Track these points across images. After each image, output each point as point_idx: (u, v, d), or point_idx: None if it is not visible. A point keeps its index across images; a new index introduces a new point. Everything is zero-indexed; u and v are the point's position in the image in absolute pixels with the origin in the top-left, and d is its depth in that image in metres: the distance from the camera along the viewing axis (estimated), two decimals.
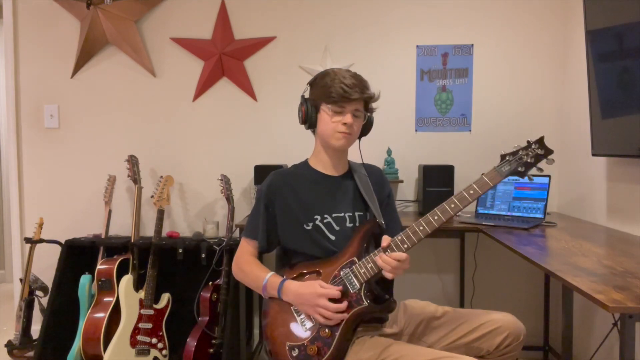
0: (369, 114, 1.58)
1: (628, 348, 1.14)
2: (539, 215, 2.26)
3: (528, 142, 1.42)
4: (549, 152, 1.40)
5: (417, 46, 2.76)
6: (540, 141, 1.41)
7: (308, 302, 1.42)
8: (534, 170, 1.42)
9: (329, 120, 1.51)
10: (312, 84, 1.58)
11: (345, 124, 1.50)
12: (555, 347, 2.61)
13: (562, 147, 2.64)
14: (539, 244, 1.82)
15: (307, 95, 1.59)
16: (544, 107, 2.72)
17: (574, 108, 2.53)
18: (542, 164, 1.41)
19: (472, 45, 2.74)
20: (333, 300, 1.41)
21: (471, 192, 1.40)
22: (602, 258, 1.59)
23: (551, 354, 2.65)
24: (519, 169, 1.40)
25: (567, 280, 1.27)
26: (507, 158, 1.42)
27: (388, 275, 1.39)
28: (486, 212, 2.43)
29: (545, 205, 2.26)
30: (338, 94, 1.48)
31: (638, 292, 1.16)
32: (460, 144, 2.76)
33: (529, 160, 1.40)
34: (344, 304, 1.40)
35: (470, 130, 2.76)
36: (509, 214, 2.36)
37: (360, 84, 1.51)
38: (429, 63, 2.76)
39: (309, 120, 1.56)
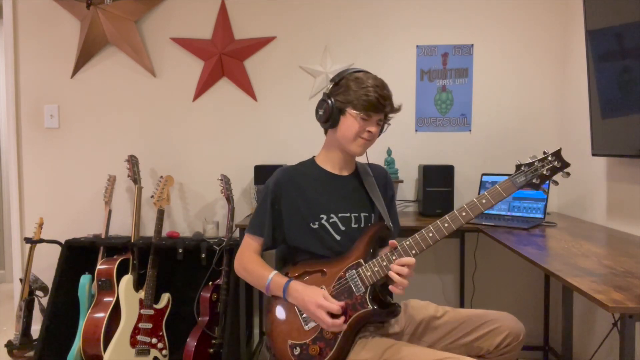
0: (387, 124, 1.58)
1: (628, 348, 1.14)
2: (539, 215, 2.26)
3: (545, 153, 1.40)
4: (565, 165, 1.38)
5: (417, 46, 2.76)
6: (557, 153, 1.39)
7: (308, 309, 1.41)
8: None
9: (354, 125, 1.49)
10: (338, 83, 1.53)
11: (370, 131, 1.50)
12: (555, 347, 2.61)
13: (562, 147, 2.63)
14: (539, 244, 1.81)
15: (328, 92, 1.55)
16: (544, 107, 2.72)
17: (574, 108, 2.53)
18: (558, 176, 1.40)
19: (472, 45, 2.74)
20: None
21: (484, 201, 1.39)
22: (602, 258, 1.58)
23: (551, 354, 2.65)
24: (534, 181, 1.39)
25: (567, 280, 1.27)
26: (522, 169, 1.40)
27: (399, 291, 1.36)
28: (486, 212, 2.43)
29: (545, 205, 2.26)
30: (372, 104, 1.47)
31: (638, 292, 1.16)
32: (460, 144, 2.76)
33: (544, 173, 1.38)
34: (341, 320, 1.38)
35: (470, 130, 2.76)
36: (509, 214, 2.36)
37: (390, 95, 1.51)
38: (429, 63, 2.76)
39: (331, 120, 1.52)
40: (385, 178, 1.68)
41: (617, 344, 1.97)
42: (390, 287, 1.39)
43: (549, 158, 1.39)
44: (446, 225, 1.39)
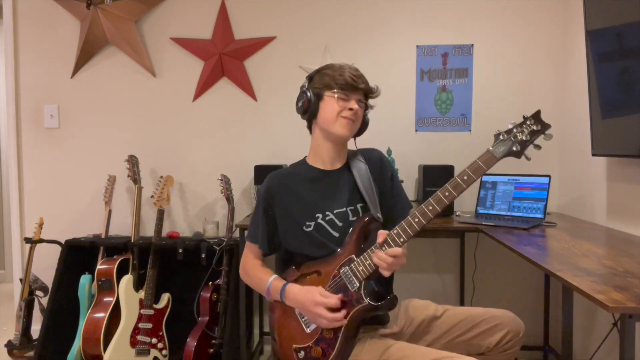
0: (370, 106, 1.59)
1: (628, 348, 1.13)
2: (539, 215, 2.26)
3: (524, 117, 1.33)
4: (545, 126, 1.31)
5: (417, 46, 2.76)
6: (536, 116, 1.32)
7: (307, 309, 1.41)
8: (532, 151, 1.34)
9: (334, 105, 1.50)
10: (313, 76, 1.58)
11: (350, 109, 1.49)
12: (555, 347, 2.61)
13: (562, 147, 2.64)
14: (539, 244, 1.81)
15: (304, 85, 1.59)
16: (544, 107, 2.67)
17: (574, 108, 2.53)
18: (540, 140, 1.32)
19: (472, 45, 2.74)
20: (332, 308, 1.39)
21: (465, 177, 1.36)
22: (602, 258, 1.59)
23: (551, 354, 2.65)
24: (514, 149, 1.32)
25: (567, 280, 1.27)
26: (500, 137, 1.33)
27: (385, 272, 1.36)
28: (486, 212, 2.43)
29: (545, 205, 2.26)
30: (346, 81, 1.49)
31: (638, 292, 1.16)
32: (460, 144, 2.76)
33: (524, 138, 1.31)
34: (342, 313, 1.38)
35: (470, 130, 2.76)
36: (509, 214, 2.36)
37: (363, 76, 1.54)
38: (429, 63, 2.76)
39: (310, 109, 1.53)
40: (380, 161, 1.64)
41: (617, 344, 1.97)
42: (380, 270, 1.38)
43: (528, 122, 1.32)
44: (430, 208, 1.36)
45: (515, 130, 1.33)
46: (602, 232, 2.08)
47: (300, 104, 1.57)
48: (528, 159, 1.33)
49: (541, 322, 2.70)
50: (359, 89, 1.51)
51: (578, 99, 2.44)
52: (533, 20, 2.70)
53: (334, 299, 1.38)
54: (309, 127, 1.63)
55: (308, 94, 1.54)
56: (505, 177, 2.41)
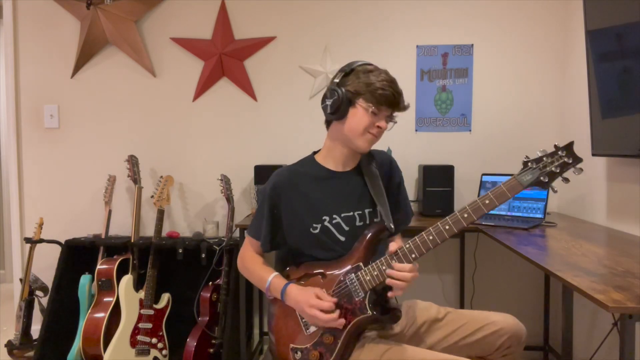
0: (394, 122, 1.50)
1: (628, 348, 1.14)
2: (539, 215, 2.26)
3: (555, 146, 1.27)
4: (577, 160, 1.26)
5: (417, 46, 2.76)
6: (568, 147, 1.26)
7: (303, 310, 1.39)
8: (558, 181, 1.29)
9: (364, 118, 1.41)
10: (347, 73, 1.45)
11: (379, 127, 1.43)
12: (555, 347, 2.61)
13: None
14: (539, 244, 1.81)
15: (337, 81, 1.45)
16: (544, 107, 2.72)
17: (574, 108, 2.53)
18: (569, 173, 1.27)
19: (472, 45, 2.74)
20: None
21: (487, 202, 1.30)
22: (602, 258, 1.59)
23: (551, 354, 2.65)
24: (542, 179, 1.27)
25: (567, 280, 1.27)
26: (529, 165, 1.28)
27: (398, 292, 1.35)
28: None
29: (545, 205, 2.26)
30: (387, 98, 1.40)
31: (638, 292, 1.16)
32: (460, 144, 2.76)
33: (553, 169, 1.26)
34: (336, 314, 1.36)
35: (470, 130, 2.76)
36: (509, 214, 2.36)
37: (402, 92, 1.47)
38: (429, 63, 2.76)
39: (339, 111, 1.42)
40: (390, 165, 1.61)
41: (617, 344, 1.97)
42: (389, 294, 1.37)
43: (559, 153, 1.26)
44: (447, 227, 1.32)
45: (545, 159, 1.28)
46: (602, 232, 2.08)
47: (329, 102, 1.44)
48: (555, 191, 1.30)
49: (541, 322, 2.70)
50: (395, 107, 1.44)
51: (578, 99, 2.44)
52: (533, 20, 2.70)
53: (327, 303, 1.36)
54: (327, 123, 1.53)
55: (340, 93, 1.42)
56: (505, 177, 2.40)
